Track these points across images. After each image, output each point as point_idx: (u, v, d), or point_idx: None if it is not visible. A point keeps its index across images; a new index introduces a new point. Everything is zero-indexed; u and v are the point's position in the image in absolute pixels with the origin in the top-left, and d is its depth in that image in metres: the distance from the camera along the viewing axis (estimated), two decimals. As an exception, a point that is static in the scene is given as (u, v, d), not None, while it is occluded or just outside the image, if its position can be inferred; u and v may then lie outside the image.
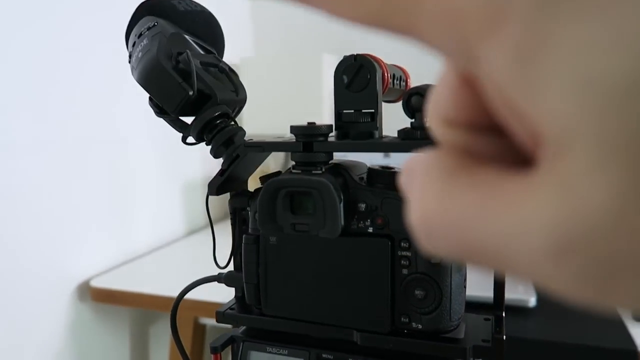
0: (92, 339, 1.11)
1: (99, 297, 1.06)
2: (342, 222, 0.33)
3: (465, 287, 0.34)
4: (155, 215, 1.29)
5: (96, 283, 1.06)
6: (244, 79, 0.43)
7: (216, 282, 0.42)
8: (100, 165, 1.11)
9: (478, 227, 0.09)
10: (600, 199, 0.08)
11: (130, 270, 1.14)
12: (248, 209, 0.39)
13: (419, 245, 0.11)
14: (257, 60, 1.56)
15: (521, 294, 0.86)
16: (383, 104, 0.36)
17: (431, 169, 0.11)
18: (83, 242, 1.07)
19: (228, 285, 0.40)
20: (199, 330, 1.07)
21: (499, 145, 0.11)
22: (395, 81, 0.37)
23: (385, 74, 0.35)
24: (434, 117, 0.11)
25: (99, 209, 1.11)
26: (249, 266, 0.37)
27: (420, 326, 0.33)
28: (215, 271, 0.42)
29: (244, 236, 0.37)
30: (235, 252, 0.40)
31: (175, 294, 0.92)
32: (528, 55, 0.08)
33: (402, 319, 0.34)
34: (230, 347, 0.40)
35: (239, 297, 0.41)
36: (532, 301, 0.86)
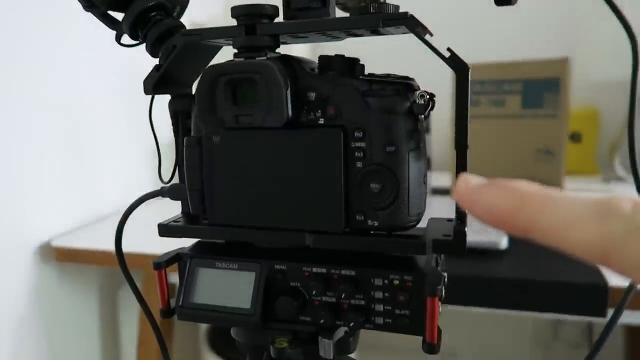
0: (58, 301, 1.07)
1: (63, 257, 1.02)
2: (290, 111, 0.30)
3: (425, 182, 0.32)
4: (122, 176, 1.24)
5: (59, 242, 1.02)
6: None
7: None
8: (63, 125, 1.05)
9: None
10: None
11: (96, 229, 1.10)
12: (192, 114, 0.35)
13: None
14: (225, 20, 1.50)
15: (492, 236, 0.85)
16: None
17: None
18: (44, 202, 1.02)
19: (172, 198, 0.37)
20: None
21: None
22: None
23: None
24: None
25: (62, 170, 1.06)
26: (192, 171, 0.34)
27: (376, 223, 0.31)
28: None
29: (185, 138, 0.34)
30: (179, 163, 0.37)
31: (143, 250, 0.87)
32: None
33: (357, 217, 0.31)
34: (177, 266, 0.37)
35: (185, 213, 0.38)
36: (503, 243, 0.85)
